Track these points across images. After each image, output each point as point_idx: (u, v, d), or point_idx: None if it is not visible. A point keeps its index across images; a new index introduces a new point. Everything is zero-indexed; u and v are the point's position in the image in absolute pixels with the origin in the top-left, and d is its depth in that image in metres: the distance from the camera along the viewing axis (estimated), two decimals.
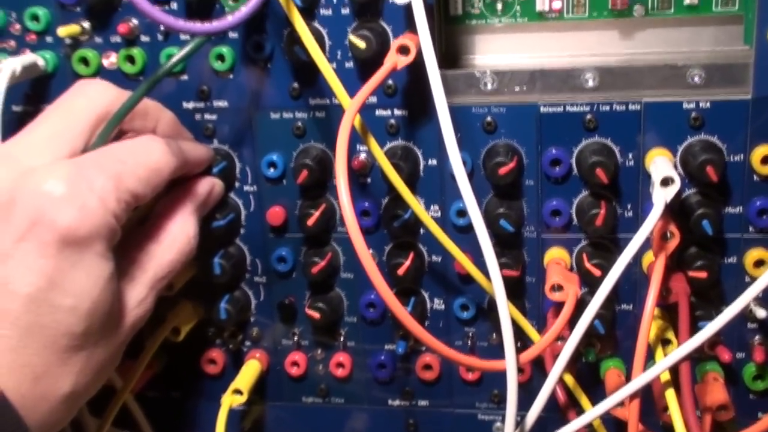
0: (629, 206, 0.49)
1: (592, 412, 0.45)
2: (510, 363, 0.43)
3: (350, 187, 0.50)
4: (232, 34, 0.50)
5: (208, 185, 0.50)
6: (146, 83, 0.43)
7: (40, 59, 0.52)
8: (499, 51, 0.52)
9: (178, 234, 0.46)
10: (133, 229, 0.47)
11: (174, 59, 0.44)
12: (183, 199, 0.48)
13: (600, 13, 0.50)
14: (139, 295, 0.43)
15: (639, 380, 0.44)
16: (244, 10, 0.41)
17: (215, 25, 0.40)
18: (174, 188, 0.48)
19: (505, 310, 0.42)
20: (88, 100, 0.44)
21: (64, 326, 0.39)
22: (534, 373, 0.53)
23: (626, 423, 0.46)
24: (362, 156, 0.50)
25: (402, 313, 0.40)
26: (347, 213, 0.40)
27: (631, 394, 0.44)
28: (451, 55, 0.52)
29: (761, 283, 0.41)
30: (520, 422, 0.47)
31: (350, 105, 0.43)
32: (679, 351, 0.43)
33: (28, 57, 0.51)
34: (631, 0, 0.49)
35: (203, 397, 0.59)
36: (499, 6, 0.50)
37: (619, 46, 0.51)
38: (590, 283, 0.49)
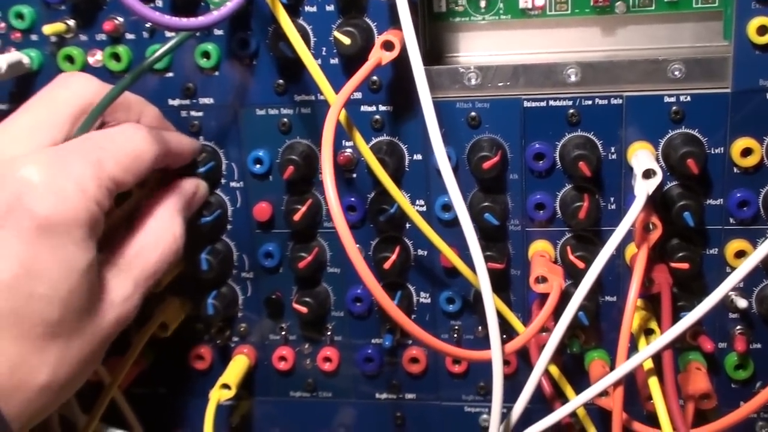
0: (612, 199, 0.49)
1: (576, 401, 0.46)
2: (495, 352, 0.43)
3: (336, 183, 0.50)
4: (218, 31, 0.50)
5: (194, 185, 0.50)
6: (129, 76, 0.44)
7: (26, 57, 0.52)
8: (483, 48, 0.52)
9: (164, 233, 0.46)
10: (118, 227, 0.47)
11: (158, 53, 0.44)
12: (169, 199, 0.48)
13: (582, 10, 0.50)
14: (124, 291, 0.43)
15: (622, 368, 0.44)
16: (229, 6, 0.41)
17: (200, 20, 0.40)
18: (160, 188, 0.48)
19: (490, 300, 0.43)
20: (71, 91, 0.44)
21: (40, 314, 0.38)
22: (520, 366, 0.54)
23: (611, 413, 0.47)
24: (348, 151, 0.51)
25: (387, 303, 0.41)
26: (334, 208, 0.40)
27: (615, 382, 0.45)
28: (435, 52, 0.52)
29: (740, 273, 0.42)
30: (506, 414, 0.47)
31: (335, 101, 0.43)
32: (661, 340, 0.44)
33: (13, 55, 0.51)
34: None
35: (191, 392, 0.59)
36: (483, 3, 0.51)
37: (602, 42, 0.51)
38: (574, 276, 0.50)
